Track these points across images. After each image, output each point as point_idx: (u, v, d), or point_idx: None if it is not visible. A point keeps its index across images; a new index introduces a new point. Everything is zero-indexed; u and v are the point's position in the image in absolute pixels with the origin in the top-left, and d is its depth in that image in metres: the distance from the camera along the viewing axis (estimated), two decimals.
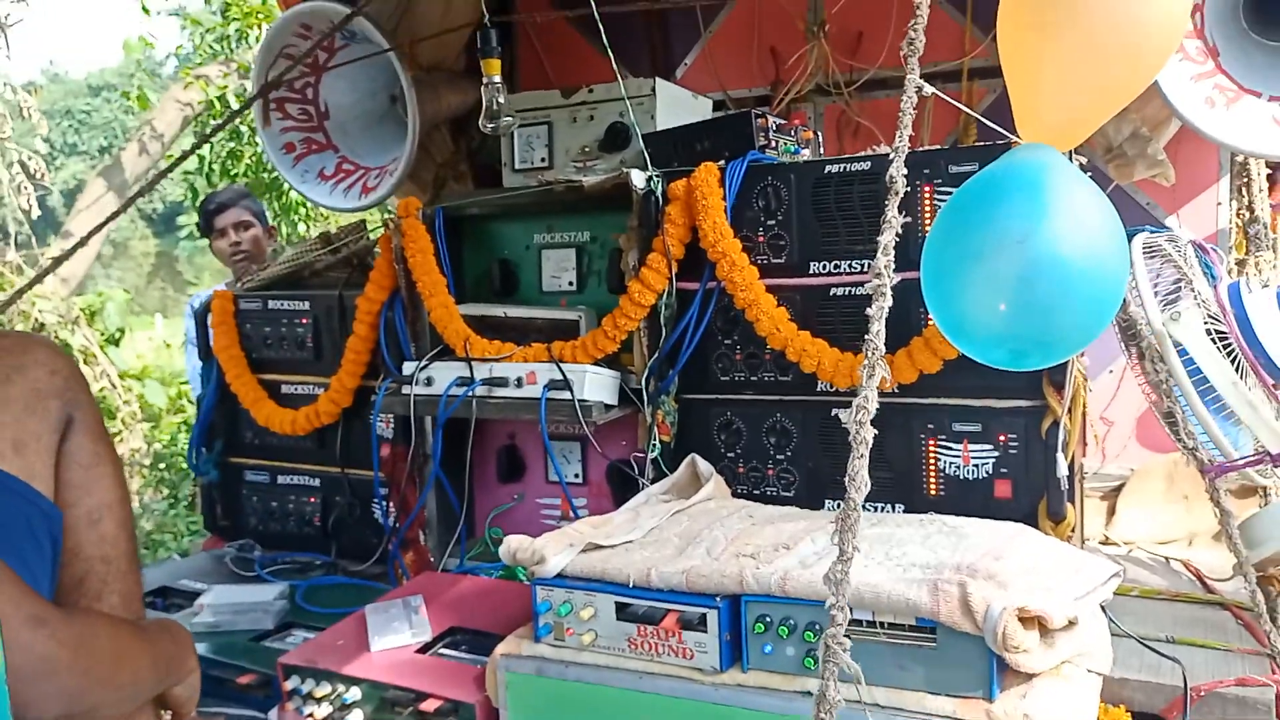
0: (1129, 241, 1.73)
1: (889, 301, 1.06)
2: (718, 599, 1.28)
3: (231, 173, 8.73)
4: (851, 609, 1.22)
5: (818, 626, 1.24)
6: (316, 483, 2.34)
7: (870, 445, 0.96)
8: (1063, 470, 1.52)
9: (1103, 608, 1.40)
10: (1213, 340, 1.58)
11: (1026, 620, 1.14)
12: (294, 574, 2.19)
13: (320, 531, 2.32)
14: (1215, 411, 1.59)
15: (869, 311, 1.06)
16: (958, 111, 2.60)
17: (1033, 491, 1.58)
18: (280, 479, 2.39)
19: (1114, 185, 2.38)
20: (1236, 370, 1.58)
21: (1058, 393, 1.52)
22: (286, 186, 7.86)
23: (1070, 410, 1.52)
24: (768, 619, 1.26)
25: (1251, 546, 1.63)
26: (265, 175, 7.55)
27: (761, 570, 1.27)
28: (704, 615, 1.28)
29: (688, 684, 1.29)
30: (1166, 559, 2.04)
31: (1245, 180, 2.18)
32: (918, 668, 1.19)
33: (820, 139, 2.86)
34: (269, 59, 2.66)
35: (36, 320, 6.50)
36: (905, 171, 1.12)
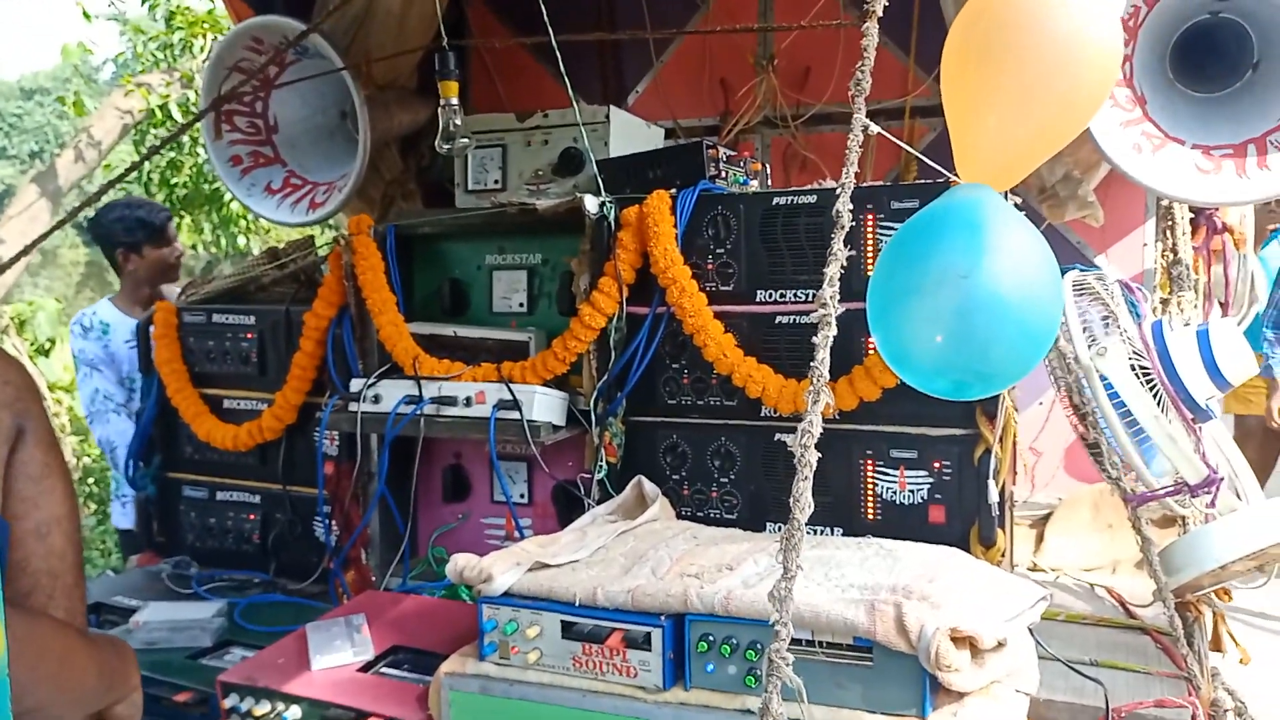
0: (1060, 278, 1.81)
1: (834, 330, 1.11)
2: (662, 618, 1.30)
3: (171, 183, 8.57)
4: (792, 628, 1.26)
5: (759, 645, 1.27)
6: (257, 499, 2.31)
7: (814, 468, 1.00)
8: (994, 497, 1.58)
9: (1030, 630, 1.45)
10: (1136, 375, 1.66)
11: (958, 640, 1.19)
12: (232, 591, 2.16)
13: (259, 549, 2.30)
14: (1138, 443, 1.67)
15: (814, 340, 1.10)
16: (899, 148, 2.69)
17: (965, 517, 1.64)
18: (219, 495, 2.36)
19: (1046, 224, 2.48)
20: (1158, 404, 1.66)
21: (990, 422, 1.58)
22: (227, 199, 7.74)
23: (1001, 439, 1.58)
24: (710, 638, 1.29)
25: (1170, 573, 1.70)
26: (206, 187, 7.44)
27: (705, 590, 1.30)
28: (649, 634, 1.30)
29: (631, 702, 1.31)
30: (1091, 585, 2.12)
31: (1170, 223, 2.29)
32: (855, 686, 1.23)
33: (768, 170, 2.94)
34: (220, 72, 2.65)
35: None
36: (850, 206, 1.17)
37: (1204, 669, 1.70)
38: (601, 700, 1.33)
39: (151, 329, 2.37)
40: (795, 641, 1.25)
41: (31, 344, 7.12)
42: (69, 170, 7.33)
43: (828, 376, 1.08)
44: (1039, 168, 2.23)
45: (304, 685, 1.53)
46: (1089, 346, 1.66)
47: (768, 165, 2.96)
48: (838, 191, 1.18)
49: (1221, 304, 2.60)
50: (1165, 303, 2.39)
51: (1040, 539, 2.48)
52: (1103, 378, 1.63)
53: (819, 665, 1.24)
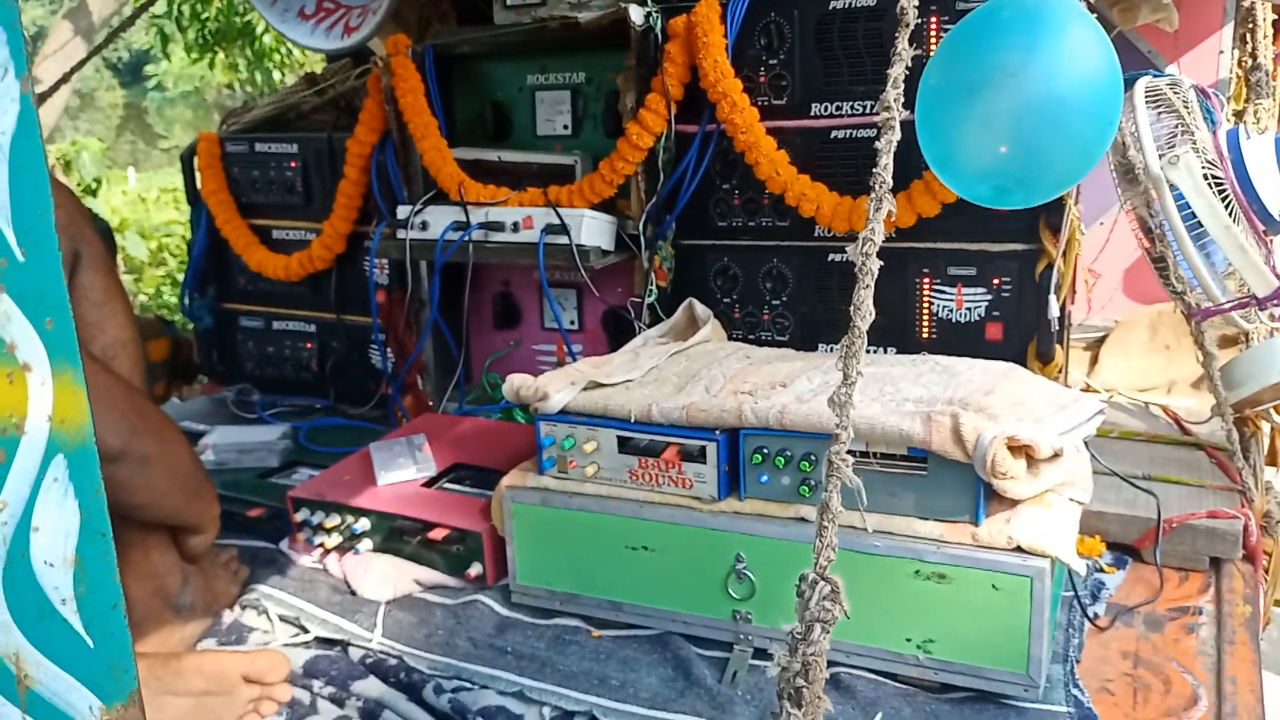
0: (1133, 85, 1.72)
1: (898, 134, 1.06)
2: (717, 432, 1.32)
3: (202, 17, 8.34)
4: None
5: (813, 457, 1.28)
6: (312, 328, 2.35)
7: (875, 276, 0.98)
8: (1054, 312, 1.55)
9: (1085, 443, 1.46)
10: (1209, 185, 1.58)
11: (1014, 449, 1.19)
12: (295, 416, 2.23)
13: (318, 376, 2.36)
14: (1206, 258, 1.62)
15: (878, 145, 1.05)
16: None
17: (1023, 334, 1.62)
18: (275, 324, 2.40)
19: (1117, 31, 2.33)
20: (1230, 215, 1.59)
21: (1054, 236, 1.53)
22: (260, 32, 7.55)
23: (1065, 254, 1.53)
24: (765, 450, 1.30)
25: (1230, 388, 1.68)
26: (238, 20, 7.26)
27: (759, 405, 1.31)
28: (703, 448, 1.33)
29: (688, 512, 1.35)
30: (1146, 404, 2.11)
31: (1250, 26, 2.14)
32: (908, 495, 1.25)
33: None
34: None
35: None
36: (903, 5, 1.10)
37: (1259, 482, 1.71)
38: (659, 510, 1.36)
39: (195, 160, 2.35)
40: (849, 452, 1.26)
41: (79, 184, 7.18)
42: (101, 6, 7.18)
43: (890, 183, 1.04)
44: None
45: (371, 499, 1.60)
46: (1160, 156, 1.58)
47: None
48: None
49: None
50: (1240, 113, 2.26)
51: (1095, 360, 2.46)
52: (1173, 188, 1.56)
53: (873, 475, 1.25)
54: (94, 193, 7.29)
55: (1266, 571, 1.61)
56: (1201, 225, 1.55)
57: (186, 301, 2.46)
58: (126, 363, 1.28)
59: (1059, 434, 1.31)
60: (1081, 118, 1.22)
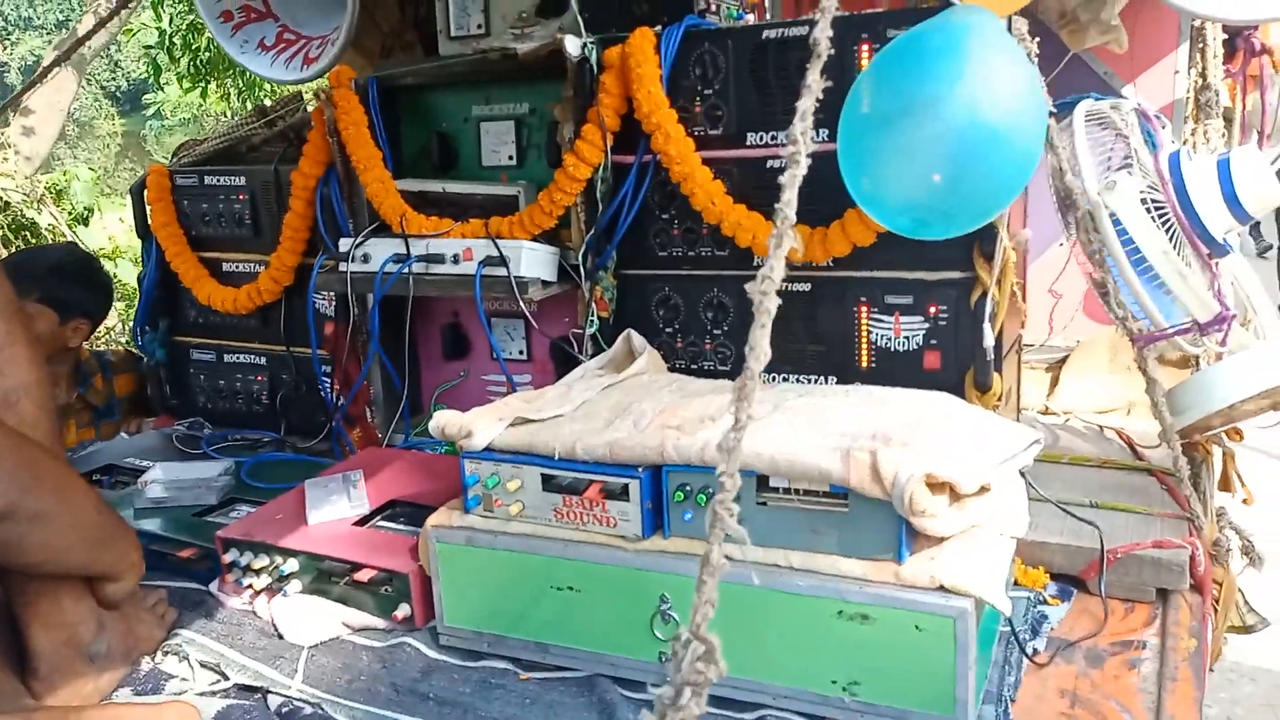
0: (1074, 108, 1.70)
1: (803, 169, 1.04)
2: (640, 469, 1.29)
3: (194, 47, 8.37)
4: (768, 476, 1.25)
5: (736, 495, 1.25)
6: (263, 361, 2.33)
7: (772, 316, 0.95)
8: (989, 341, 1.53)
9: (1022, 474, 1.43)
10: (1149, 210, 1.57)
11: (935, 486, 1.16)
12: (243, 450, 2.20)
13: (269, 409, 2.33)
14: (1147, 281, 1.60)
15: (781, 180, 1.03)
16: None
17: (961, 362, 1.59)
18: (226, 357, 2.38)
19: (1071, 54, 2.33)
20: (1171, 240, 1.58)
21: (987, 264, 1.51)
22: None
23: (1000, 281, 1.51)
24: (687, 487, 1.28)
25: (1178, 413, 1.66)
26: None
27: (683, 441, 1.28)
28: (626, 485, 1.30)
29: (612, 551, 1.32)
30: (1101, 428, 2.08)
31: (1201, 46, 2.13)
32: (831, 532, 1.22)
33: (777, 6, 2.77)
34: None
35: (1, 199, 6.35)
36: (832, 34, 1.08)
37: (1207, 509, 1.68)
38: (583, 549, 1.33)
39: (145, 193, 2.34)
40: (772, 489, 1.24)
41: (69, 213, 7.17)
42: (93, 36, 7.18)
43: (793, 219, 1.02)
44: None
45: (300, 539, 1.56)
46: (1099, 180, 1.57)
47: (778, 2, 2.80)
48: (817, 17, 1.09)
49: (1260, 134, 2.45)
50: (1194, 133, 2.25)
51: (1055, 382, 2.44)
52: (1111, 213, 1.54)
53: (795, 512, 1.23)
54: (85, 221, 7.27)
55: (1217, 602, 1.58)
56: (1140, 250, 1.53)
57: (138, 335, 2.43)
58: (30, 408, 1.24)
59: (990, 466, 1.28)
60: (1001, 148, 1.21)
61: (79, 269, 2.60)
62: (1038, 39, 1.62)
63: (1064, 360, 2.46)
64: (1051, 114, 1.49)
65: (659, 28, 1.70)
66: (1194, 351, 1.70)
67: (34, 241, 5.98)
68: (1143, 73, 2.40)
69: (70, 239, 6.60)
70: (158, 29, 8.40)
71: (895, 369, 1.64)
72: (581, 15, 1.79)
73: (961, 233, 1.24)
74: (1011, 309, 1.65)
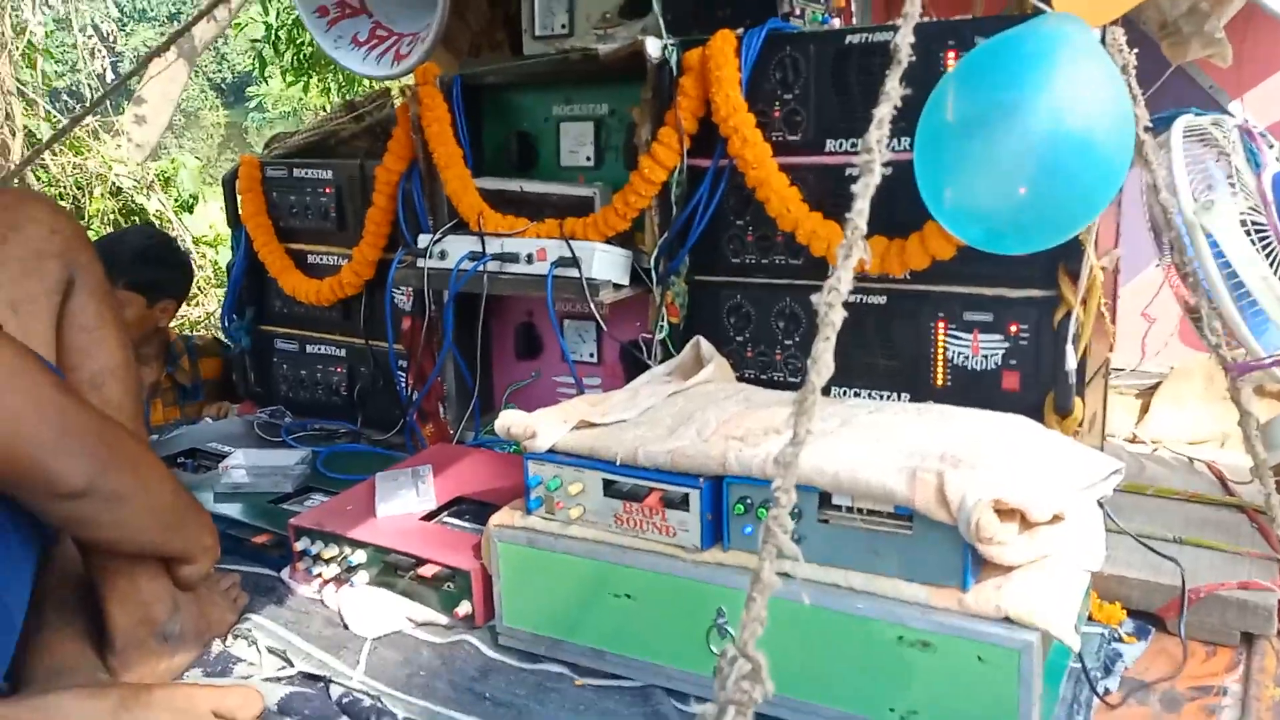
0: (1172, 124, 1.63)
1: (876, 178, 1.01)
2: (701, 479, 1.28)
3: (298, 41, 8.63)
4: (831, 493, 1.22)
5: (799, 511, 1.23)
6: (343, 353, 2.38)
7: (837, 329, 0.93)
8: (1071, 364, 1.47)
9: (1100, 504, 1.37)
10: (1249, 233, 1.49)
11: (1005, 512, 1.12)
12: (320, 440, 2.26)
13: (347, 400, 2.38)
14: (1245, 308, 1.52)
15: (854, 189, 1.01)
16: None
17: (1041, 384, 1.54)
18: (309, 348, 2.44)
19: (1176, 67, 2.23)
20: (1272, 265, 1.50)
21: (1073, 282, 1.45)
22: None
23: (1085, 301, 1.45)
24: (748, 500, 1.26)
25: (1272, 448, 1.58)
26: None
27: (745, 453, 1.26)
28: (686, 495, 1.29)
29: (671, 560, 1.31)
30: (1191, 459, 1.99)
31: None
32: (893, 554, 1.19)
33: (866, 10, 2.72)
34: None
35: (113, 184, 6.64)
36: (916, 40, 1.05)
37: None
38: (641, 557, 1.33)
39: (236, 183, 2.41)
40: (834, 507, 1.22)
41: (176, 200, 7.47)
42: (202, 30, 7.49)
43: (864, 229, 0.99)
44: (1160, 1, 1.99)
45: (368, 531, 1.59)
46: (1195, 200, 1.49)
47: (868, 4, 2.75)
48: (898, 23, 1.06)
49: None
50: None
51: (1145, 410, 2.34)
52: (1208, 235, 1.47)
53: (857, 532, 1.20)
54: (190, 208, 7.57)
55: None
56: (1238, 275, 1.46)
57: (226, 323, 2.51)
58: (116, 389, 1.29)
59: (1065, 494, 1.23)
60: (1084, 163, 1.16)
61: (161, 252, 2.71)
62: (1136, 50, 1.55)
63: (1155, 387, 2.37)
64: (1148, 129, 1.43)
65: (741, 30, 1.68)
66: None
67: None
68: (1251, 88, 2.29)
69: (176, 225, 6.88)
70: (264, 24, 8.69)
71: (972, 388, 1.59)
72: (664, 17, 1.78)
73: (1039, 249, 1.20)
74: (1098, 331, 1.59)
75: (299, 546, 1.63)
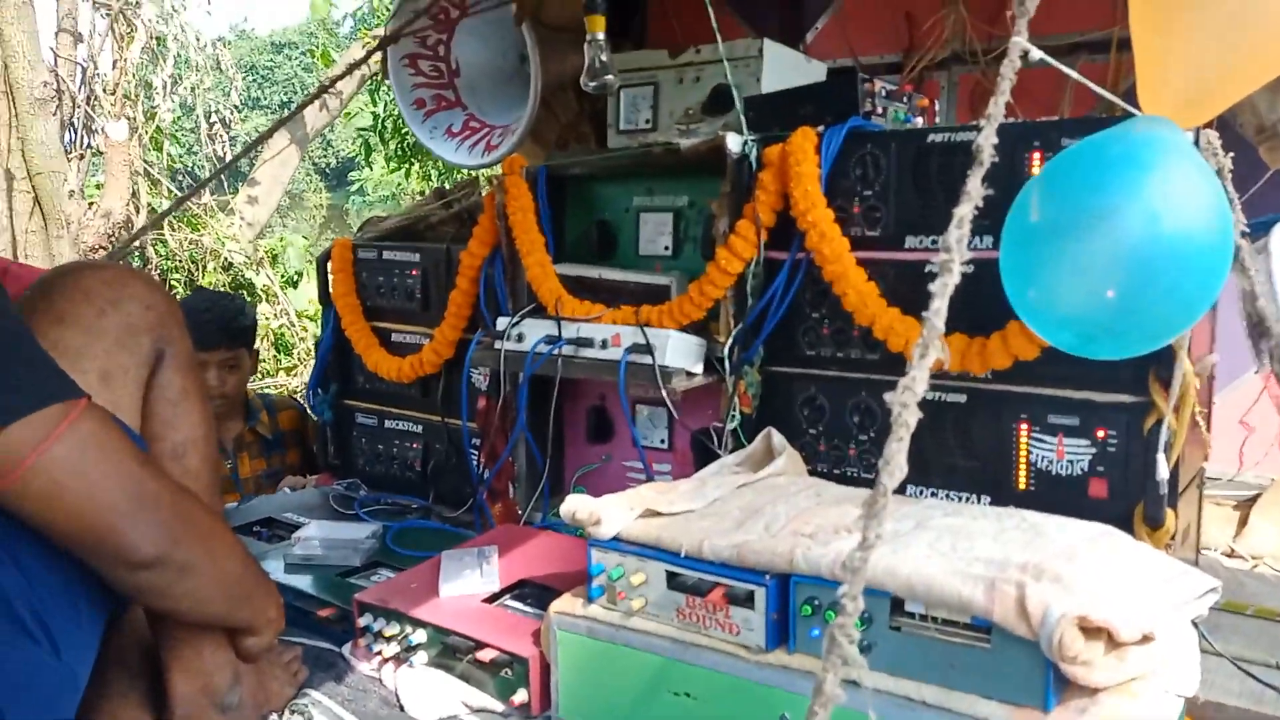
0: (1270, 229, 1.58)
1: (955, 278, 0.99)
2: (766, 577, 1.25)
3: (402, 130, 9.05)
4: (904, 601, 1.17)
5: (869, 615, 1.19)
6: (419, 429, 2.42)
7: (911, 429, 0.90)
8: (1163, 473, 1.40)
9: (1195, 624, 1.29)
10: None
11: (1090, 630, 1.06)
12: (392, 515, 2.28)
13: (420, 476, 2.40)
14: None
15: (931, 288, 0.99)
16: (1106, 87, 2.42)
17: (1130, 494, 1.47)
18: (387, 423, 2.48)
19: (1272, 171, 2.17)
20: None
21: (1164, 389, 1.40)
22: None
23: (1178, 409, 1.39)
24: (816, 602, 1.22)
25: None
26: None
27: (813, 551, 1.23)
28: (752, 592, 1.25)
29: (733, 660, 1.27)
30: None
31: None
32: (970, 668, 1.13)
33: (951, 110, 2.73)
34: (406, 13, 2.72)
35: (225, 259, 6.99)
36: (999, 141, 1.04)
37: None
38: (703, 655, 1.29)
39: (329, 264, 2.50)
40: (907, 614, 1.17)
41: (282, 276, 7.82)
42: (314, 118, 7.92)
43: (941, 329, 0.97)
44: (1257, 103, 1.95)
45: (430, 611, 1.58)
46: None
47: (953, 105, 2.76)
48: (981, 124, 1.05)
49: None
50: None
51: (1244, 523, 2.22)
52: None
53: (932, 642, 1.15)
54: (294, 284, 7.92)
55: None
56: None
57: (311, 397, 2.58)
58: (196, 460, 1.32)
59: (1156, 612, 1.16)
60: (1181, 268, 1.12)
61: (245, 308, 2.84)
62: (1231, 154, 1.52)
63: (1255, 499, 2.24)
64: (1244, 234, 1.38)
65: (822, 128, 1.69)
66: None
67: (250, 300, 6.54)
68: None
69: (282, 299, 7.18)
70: (372, 114, 9.16)
71: (1056, 494, 1.53)
72: (745, 114, 1.81)
73: (1133, 354, 1.16)
74: (1192, 439, 1.52)
75: (362, 622, 1.63)
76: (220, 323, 2.70)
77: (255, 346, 2.90)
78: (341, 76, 3.05)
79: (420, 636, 1.57)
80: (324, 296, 2.56)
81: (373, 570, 1.92)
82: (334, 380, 2.57)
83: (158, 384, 1.29)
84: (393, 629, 1.59)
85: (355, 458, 2.55)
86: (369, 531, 2.02)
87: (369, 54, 2.60)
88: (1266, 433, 2.28)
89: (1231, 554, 2.07)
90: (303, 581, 1.84)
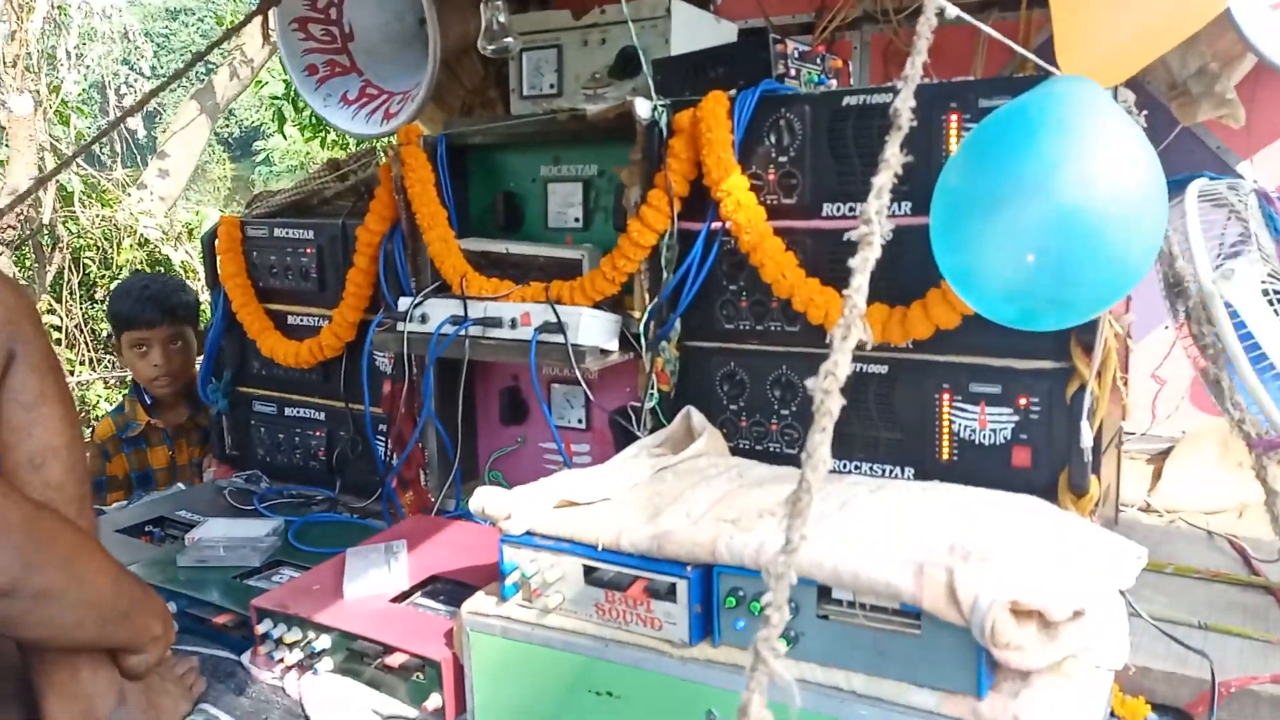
0: (1185, 188, 1.56)
1: (876, 252, 0.93)
2: (688, 568, 1.18)
3: None
4: (830, 588, 1.12)
5: (795, 604, 1.13)
6: (322, 416, 2.29)
7: (834, 418, 0.84)
8: (1087, 440, 1.38)
9: (1123, 593, 1.27)
10: (1270, 302, 1.41)
11: (1022, 613, 1.03)
12: (294, 509, 2.15)
13: (325, 466, 2.28)
14: (1269, 380, 1.43)
15: (852, 263, 0.93)
16: (1020, 43, 2.39)
17: (1054, 461, 1.45)
18: (287, 411, 2.35)
19: (1181, 127, 2.17)
20: None
21: (1086, 355, 1.37)
22: None
23: (1099, 374, 1.37)
24: (740, 593, 1.16)
25: None
26: None
27: (736, 540, 1.17)
28: (673, 585, 1.19)
29: (657, 656, 1.21)
30: (1210, 533, 1.89)
31: None
32: (900, 656, 1.09)
33: (864, 71, 2.68)
34: None
35: (141, 235, 6.66)
36: (914, 104, 0.98)
37: None
38: (625, 651, 1.22)
39: (216, 242, 2.34)
40: (835, 601, 1.12)
41: (200, 251, 7.51)
42: (225, 87, 7.60)
43: (862, 308, 0.91)
44: (1169, 61, 1.93)
45: (334, 615, 1.49)
46: (1213, 268, 1.42)
47: (866, 64, 2.71)
48: (899, 86, 0.99)
49: None
50: None
51: (1158, 476, 2.25)
52: (1227, 304, 1.39)
53: (861, 630, 1.10)
54: None
55: None
56: (1260, 346, 1.38)
57: (202, 386, 2.43)
58: (57, 471, 1.20)
59: (1086, 587, 1.13)
60: (1120, 231, 1.08)
61: (184, 285, 2.78)
62: (1145, 111, 1.49)
63: (1168, 452, 2.27)
64: None
65: (733, 92, 1.61)
66: None
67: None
68: (1262, 148, 2.23)
69: (203, 274, 6.89)
70: (284, 80, 8.78)
71: (980, 464, 1.50)
72: (654, 78, 1.72)
73: (1076, 323, 1.12)
74: (1112, 401, 1.50)
75: (261, 629, 1.52)
76: (160, 298, 2.65)
77: (201, 327, 2.78)
78: (216, 44, 2.84)
79: (324, 642, 1.47)
80: (211, 279, 2.40)
81: (274, 570, 1.81)
82: (227, 367, 2.42)
83: (9, 387, 1.16)
84: (294, 635, 1.49)
85: (254, 448, 2.41)
86: (269, 528, 1.90)
87: (247, 19, 2.41)
88: (1178, 386, 2.30)
89: (1148, 509, 2.09)
90: (198, 586, 1.71)
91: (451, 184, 1.97)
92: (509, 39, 1.79)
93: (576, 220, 1.93)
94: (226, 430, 2.44)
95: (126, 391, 3.08)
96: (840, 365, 0.87)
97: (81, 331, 6.32)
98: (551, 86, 1.99)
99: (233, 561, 1.81)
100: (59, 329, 6.14)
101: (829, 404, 0.85)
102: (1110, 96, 1.23)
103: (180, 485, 2.45)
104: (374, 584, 1.56)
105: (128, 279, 2.88)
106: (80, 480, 1.25)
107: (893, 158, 0.97)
